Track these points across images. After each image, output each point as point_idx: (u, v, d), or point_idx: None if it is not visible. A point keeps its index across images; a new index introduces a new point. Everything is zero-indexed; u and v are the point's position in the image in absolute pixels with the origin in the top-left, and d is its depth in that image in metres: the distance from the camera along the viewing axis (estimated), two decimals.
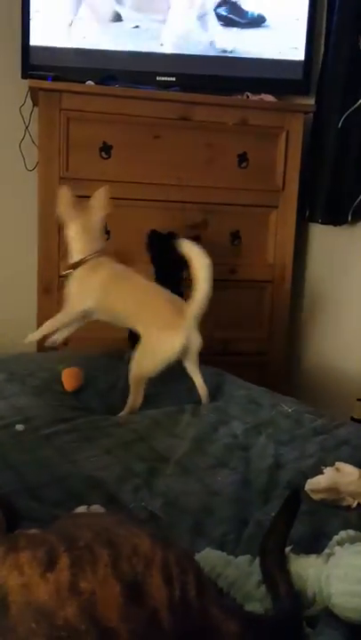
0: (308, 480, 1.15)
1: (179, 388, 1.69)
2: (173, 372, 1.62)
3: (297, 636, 0.71)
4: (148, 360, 1.55)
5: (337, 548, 0.92)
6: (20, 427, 1.40)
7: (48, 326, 1.71)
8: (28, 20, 2.23)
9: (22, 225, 2.42)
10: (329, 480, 1.12)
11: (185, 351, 1.57)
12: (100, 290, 1.65)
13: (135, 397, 1.57)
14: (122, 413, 1.57)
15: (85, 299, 1.66)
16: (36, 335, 1.74)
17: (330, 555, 0.90)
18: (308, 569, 0.84)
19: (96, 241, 1.71)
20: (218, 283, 2.35)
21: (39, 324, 2.15)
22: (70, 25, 2.29)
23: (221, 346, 2.36)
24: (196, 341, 1.57)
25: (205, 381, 1.68)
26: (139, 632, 0.56)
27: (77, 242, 1.71)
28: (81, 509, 1.04)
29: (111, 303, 1.65)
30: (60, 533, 0.71)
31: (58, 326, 1.72)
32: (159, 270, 1.97)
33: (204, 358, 2.07)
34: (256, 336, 2.42)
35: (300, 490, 1.05)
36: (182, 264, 1.65)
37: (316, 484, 1.13)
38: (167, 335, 1.53)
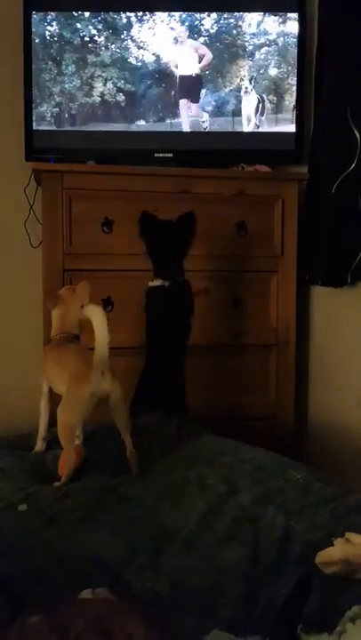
0: (319, 553, 1.12)
1: None
2: None
3: None
4: (64, 412, 1.62)
5: (349, 625, 0.89)
6: (23, 507, 1.38)
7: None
8: (31, 106, 2.35)
9: (28, 299, 2.47)
10: (340, 552, 1.09)
11: (107, 401, 1.61)
12: (45, 363, 1.81)
13: (67, 453, 1.60)
14: (61, 481, 1.57)
15: (43, 373, 1.82)
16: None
17: (342, 633, 0.87)
18: None
19: (68, 325, 1.84)
20: (223, 348, 2.39)
21: None
22: (70, 109, 2.41)
23: (229, 411, 2.35)
24: (113, 391, 1.60)
25: (212, 448, 1.68)
26: None
27: (54, 323, 1.88)
28: (86, 593, 1.01)
29: (47, 373, 1.80)
30: (55, 623, 0.70)
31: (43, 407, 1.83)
32: (156, 258, 2.00)
33: (212, 425, 2.06)
34: (263, 400, 2.41)
35: (311, 566, 1.02)
36: (181, 250, 1.89)
37: (327, 556, 1.10)
38: (77, 385, 1.61)
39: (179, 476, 1.56)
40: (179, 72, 2.46)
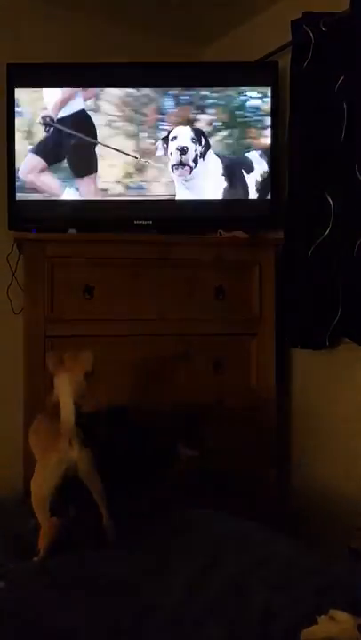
0: (303, 631, 1.10)
1: None
2: None
3: None
4: (35, 484, 1.60)
5: None
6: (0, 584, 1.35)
7: None
8: (14, 176, 2.42)
9: (9, 365, 2.46)
10: (324, 631, 1.07)
11: (77, 471, 1.58)
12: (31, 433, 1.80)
13: (43, 525, 1.56)
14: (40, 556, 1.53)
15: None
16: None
17: None
18: None
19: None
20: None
21: (24, 465, 2.14)
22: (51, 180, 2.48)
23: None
24: (81, 461, 1.57)
25: (196, 518, 1.65)
26: None
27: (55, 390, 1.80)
28: None
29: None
30: None
31: None
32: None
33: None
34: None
35: None
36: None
37: (311, 635, 1.08)
38: (45, 456, 1.60)
39: (162, 547, 1.54)
40: None
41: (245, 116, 2.59)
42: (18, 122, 2.42)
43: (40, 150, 2.44)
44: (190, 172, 2.54)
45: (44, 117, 2.44)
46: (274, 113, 2.59)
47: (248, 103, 2.59)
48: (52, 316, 2.26)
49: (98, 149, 2.49)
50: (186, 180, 2.54)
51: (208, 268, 2.43)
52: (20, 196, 2.41)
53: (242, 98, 2.57)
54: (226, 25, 2.92)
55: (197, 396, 2.37)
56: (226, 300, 2.43)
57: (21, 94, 2.43)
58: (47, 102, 2.46)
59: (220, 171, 2.58)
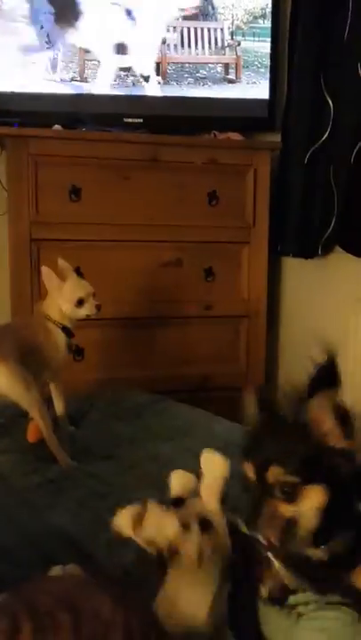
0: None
1: None
2: None
3: None
4: None
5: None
6: None
7: None
8: None
9: None
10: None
11: None
12: None
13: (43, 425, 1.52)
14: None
15: None
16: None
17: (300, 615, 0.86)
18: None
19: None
20: (194, 320, 2.37)
21: None
22: (35, 69, 2.31)
23: (199, 382, 2.35)
24: None
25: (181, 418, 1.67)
26: None
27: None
28: (56, 570, 1.00)
29: None
30: (23, 600, 0.71)
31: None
32: None
33: (182, 395, 2.06)
34: (234, 371, 2.41)
35: None
36: None
37: None
38: None
39: (147, 451, 1.55)
40: None
41: None
42: None
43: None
44: None
45: None
46: (274, 8, 2.41)
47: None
48: (37, 218, 2.18)
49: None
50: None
51: (201, 172, 2.33)
52: (1, 86, 2.25)
53: None
54: None
55: (187, 304, 2.35)
56: (219, 206, 2.35)
57: None
58: None
59: None
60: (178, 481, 1.06)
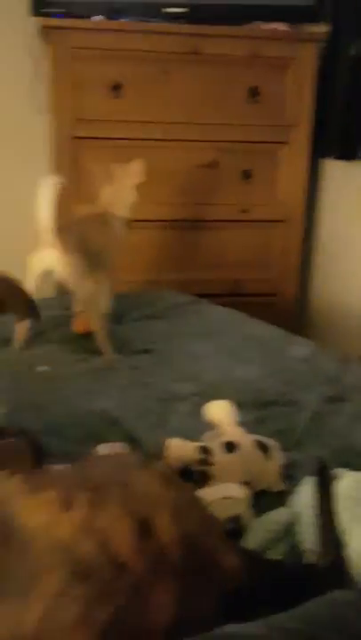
0: None
1: None
2: None
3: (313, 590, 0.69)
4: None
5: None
6: (42, 368, 1.50)
7: None
8: None
9: (35, 166, 2.43)
10: None
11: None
12: None
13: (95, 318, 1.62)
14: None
15: None
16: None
17: None
18: None
19: (117, 205, 1.80)
20: (229, 223, 2.39)
21: None
22: None
23: (231, 286, 2.41)
24: (60, 265, 1.56)
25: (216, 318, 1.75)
26: (149, 568, 0.62)
27: (102, 201, 1.80)
28: (103, 447, 1.12)
29: None
30: (77, 474, 0.78)
31: None
32: None
33: (214, 299, 2.13)
34: (267, 276, 2.45)
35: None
36: None
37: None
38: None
39: (183, 347, 1.66)
40: None
41: None
42: None
43: None
44: None
45: None
46: None
47: None
48: (79, 115, 2.17)
49: None
50: None
51: (242, 65, 2.26)
52: None
53: None
54: None
55: (223, 207, 2.36)
56: (259, 104, 2.29)
57: None
58: None
59: None
60: (213, 410, 1.17)
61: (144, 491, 0.68)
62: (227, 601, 0.66)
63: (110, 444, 1.13)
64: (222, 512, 0.87)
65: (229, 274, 2.40)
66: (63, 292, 2.03)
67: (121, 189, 1.81)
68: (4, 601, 0.60)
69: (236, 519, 0.90)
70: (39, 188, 1.50)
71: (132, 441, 1.21)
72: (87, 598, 0.59)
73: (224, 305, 2.03)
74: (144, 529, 0.64)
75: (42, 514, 0.65)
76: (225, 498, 0.93)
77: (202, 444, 1.07)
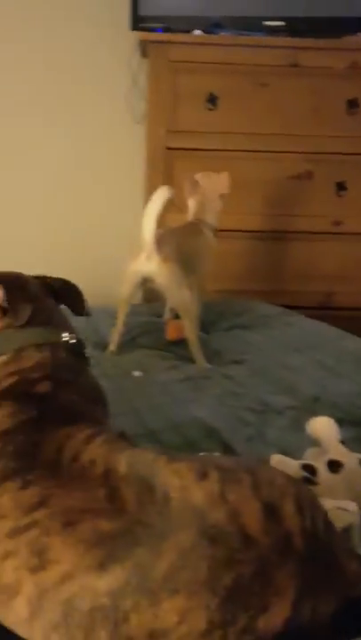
0: None
1: None
2: None
3: None
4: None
5: None
6: (137, 373, 1.51)
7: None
8: None
9: (130, 176, 2.49)
10: None
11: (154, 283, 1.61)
12: None
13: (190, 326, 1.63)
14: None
15: None
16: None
17: None
18: None
19: (204, 213, 1.84)
20: (321, 235, 2.35)
21: None
22: None
23: (322, 298, 2.37)
24: (158, 275, 1.58)
25: (310, 332, 1.73)
26: (275, 548, 0.63)
27: (189, 210, 1.85)
28: (200, 455, 1.12)
29: None
30: (208, 458, 0.81)
31: None
32: None
33: (305, 311, 2.10)
34: (359, 289, 2.39)
35: None
36: None
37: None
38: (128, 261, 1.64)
39: (276, 359, 1.63)
40: None
41: None
42: None
43: None
44: None
45: None
46: None
47: None
48: (174, 126, 2.21)
49: None
50: None
51: (341, 77, 2.23)
52: None
53: None
54: None
55: (316, 219, 2.32)
56: (358, 115, 2.25)
57: None
58: None
59: None
60: (316, 426, 1.14)
61: (270, 479, 0.70)
62: (348, 611, 0.65)
63: (213, 454, 1.12)
64: (335, 521, 0.84)
65: (320, 286, 2.36)
66: (150, 300, 2.07)
67: (209, 199, 1.83)
68: (140, 546, 0.64)
69: (347, 530, 0.87)
70: (151, 197, 1.53)
71: (229, 452, 1.19)
72: (214, 560, 0.62)
73: (314, 318, 1.99)
74: (271, 512, 0.66)
75: (179, 478, 0.69)
76: (338, 508, 0.90)
77: (306, 461, 1.04)
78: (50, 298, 1.05)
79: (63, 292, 1.08)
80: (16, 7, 2.36)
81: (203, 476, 0.69)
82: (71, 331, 1.02)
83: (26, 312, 0.97)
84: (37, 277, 1.07)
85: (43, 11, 2.37)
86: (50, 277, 1.09)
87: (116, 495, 0.71)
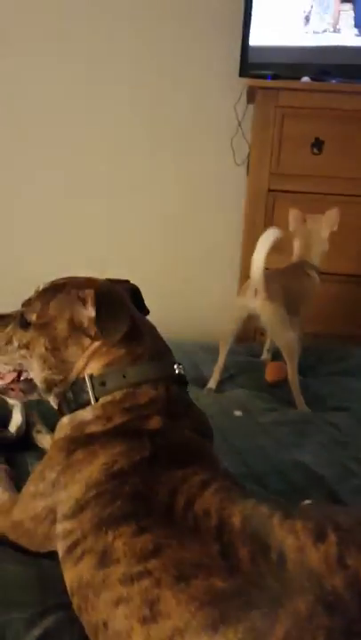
0: None
1: None
2: None
3: None
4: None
5: None
6: (238, 413, 1.50)
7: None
8: (249, 21, 2.28)
9: (229, 217, 2.52)
10: None
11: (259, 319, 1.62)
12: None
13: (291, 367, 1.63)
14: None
15: None
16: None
17: None
18: None
19: (309, 253, 1.87)
20: None
21: None
22: (290, 21, 2.30)
23: None
24: (263, 312, 1.60)
25: None
26: None
27: (294, 251, 1.88)
28: (307, 504, 1.09)
29: None
30: (326, 513, 0.78)
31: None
32: None
33: None
34: None
35: None
36: None
37: None
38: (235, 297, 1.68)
39: None
40: None
41: None
42: None
43: None
44: None
45: None
46: None
47: None
48: (277, 169, 2.23)
49: None
50: None
51: None
52: (254, 40, 2.29)
53: None
54: None
55: None
56: None
57: None
58: None
59: None
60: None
61: None
62: None
63: (317, 503, 1.08)
64: None
65: None
66: (245, 340, 2.07)
67: (315, 240, 1.82)
68: (254, 609, 0.62)
69: None
70: (260, 237, 1.55)
71: (337, 502, 1.16)
72: (331, 630, 0.60)
73: None
74: None
75: (296, 538, 0.67)
76: None
77: None
78: (134, 307, 0.99)
79: (132, 294, 1.05)
80: (137, 53, 2.48)
81: (320, 536, 0.67)
82: (173, 357, 0.99)
83: (118, 334, 0.91)
84: (111, 280, 1.02)
85: (157, 57, 2.49)
86: (119, 280, 1.06)
87: (230, 552, 0.69)
